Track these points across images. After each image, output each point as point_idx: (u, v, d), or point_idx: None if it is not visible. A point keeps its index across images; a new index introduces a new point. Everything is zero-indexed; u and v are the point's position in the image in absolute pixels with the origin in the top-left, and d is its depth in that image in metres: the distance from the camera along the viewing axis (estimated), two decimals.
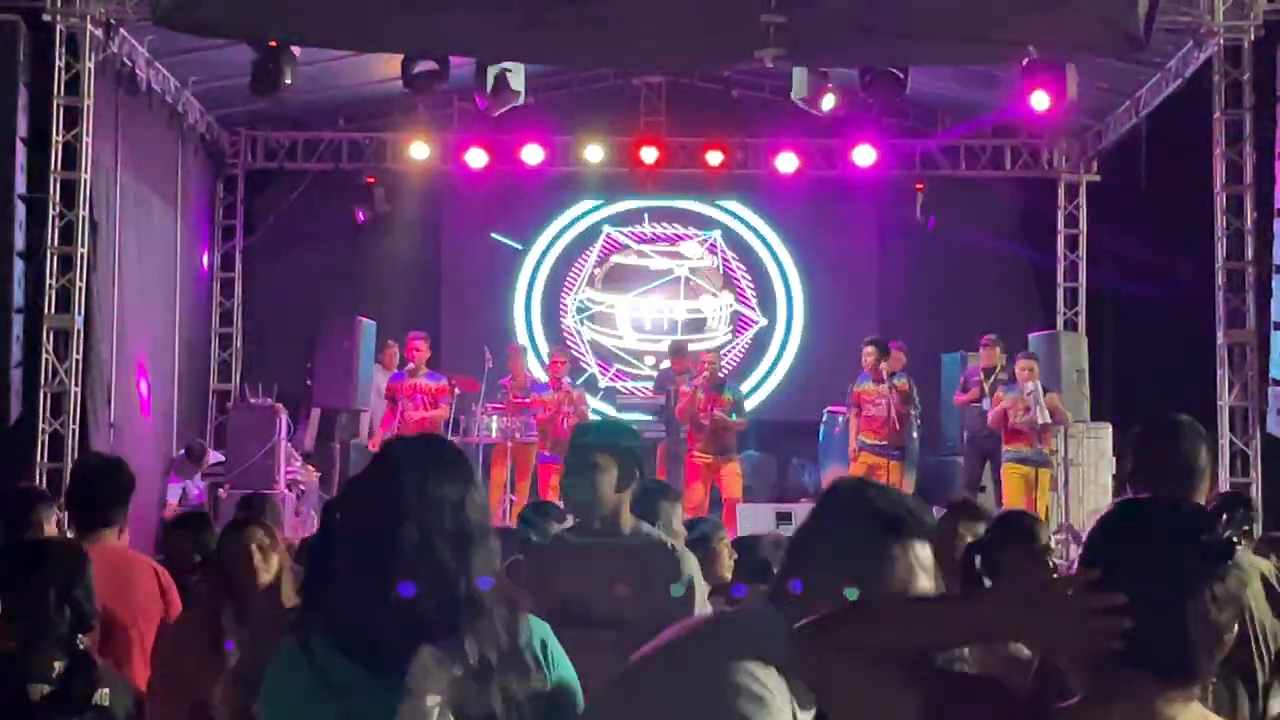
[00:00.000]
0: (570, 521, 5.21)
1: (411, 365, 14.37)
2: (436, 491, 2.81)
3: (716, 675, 2.41)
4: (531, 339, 17.62)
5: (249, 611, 4.73)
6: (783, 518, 13.03)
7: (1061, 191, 17.77)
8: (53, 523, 5.86)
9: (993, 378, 14.19)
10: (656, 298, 18.03)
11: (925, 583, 2.42)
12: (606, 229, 18.13)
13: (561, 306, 17.98)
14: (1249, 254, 13.50)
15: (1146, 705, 2.09)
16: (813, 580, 2.40)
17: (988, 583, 3.27)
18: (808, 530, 2.51)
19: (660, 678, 2.53)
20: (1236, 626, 2.12)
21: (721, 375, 15.00)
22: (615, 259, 18.10)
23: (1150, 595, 2.06)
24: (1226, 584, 2.10)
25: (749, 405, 15.55)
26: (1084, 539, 2.22)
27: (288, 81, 13.21)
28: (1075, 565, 2.23)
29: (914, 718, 2.14)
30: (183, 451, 15.04)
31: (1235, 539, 2.10)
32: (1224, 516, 2.14)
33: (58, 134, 12.77)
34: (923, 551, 2.44)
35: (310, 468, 14.63)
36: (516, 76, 14.12)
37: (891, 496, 2.50)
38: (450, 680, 2.67)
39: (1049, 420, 13.40)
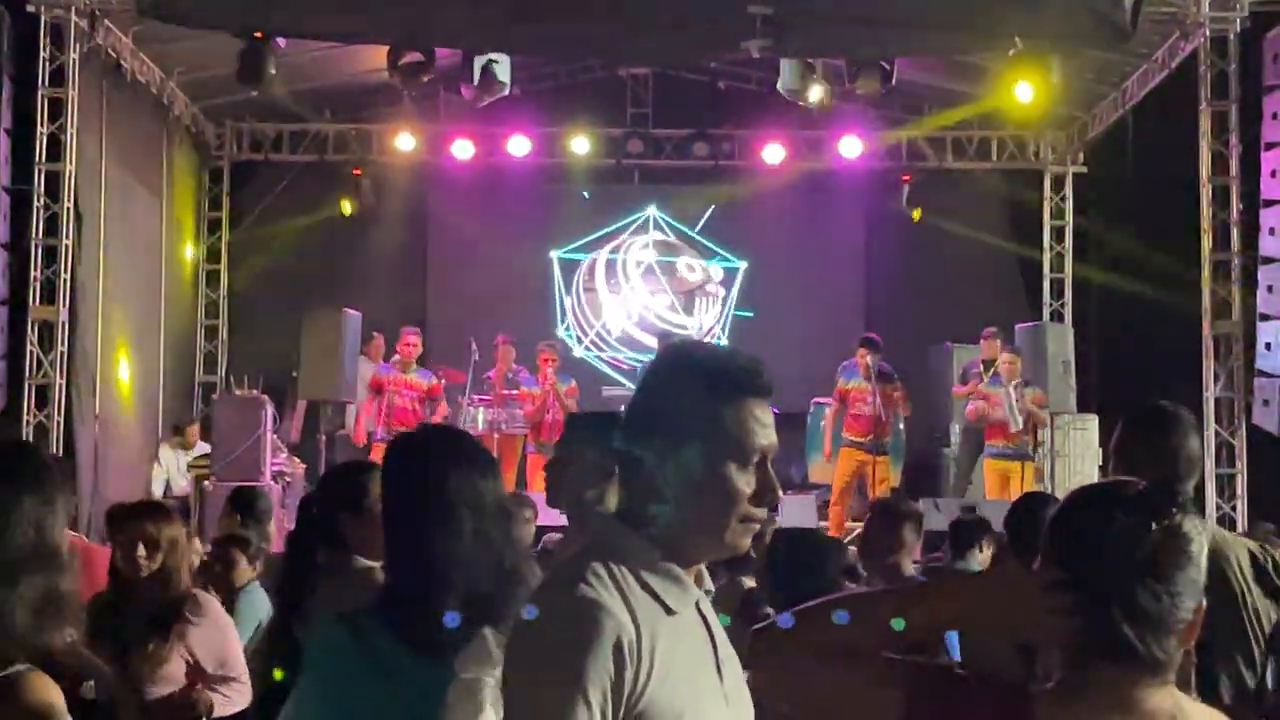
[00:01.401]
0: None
1: (402, 359, 14.35)
2: (478, 477, 3.02)
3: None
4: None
5: (131, 597, 5.11)
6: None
7: (1048, 183, 17.80)
8: None
9: (992, 370, 14.21)
10: (646, 293, 18.04)
11: (766, 439, 2.34)
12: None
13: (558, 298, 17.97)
14: (1235, 245, 13.54)
15: (1118, 692, 2.11)
16: (650, 453, 2.33)
17: None
18: (638, 403, 2.42)
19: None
20: (1196, 610, 2.12)
21: None
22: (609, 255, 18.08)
23: (1104, 588, 2.08)
24: (1184, 571, 2.11)
25: None
26: (1050, 525, 2.22)
27: (272, 73, 13.18)
28: (1041, 549, 2.24)
29: (896, 715, 2.15)
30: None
31: (1181, 521, 2.11)
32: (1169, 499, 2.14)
33: (42, 125, 12.76)
34: (759, 409, 2.35)
35: (296, 460, 14.60)
36: (503, 68, 14.10)
37: (721, 355, 2.41)
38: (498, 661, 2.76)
39: (1020, 427, 13.46)
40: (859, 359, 14.00)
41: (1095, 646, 2.09)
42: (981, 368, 14.43)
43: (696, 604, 2.38)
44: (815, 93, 14.46)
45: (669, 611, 2.31)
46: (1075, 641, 2.10)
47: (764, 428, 2.36)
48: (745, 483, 2.33)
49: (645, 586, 2.30)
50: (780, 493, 2.39)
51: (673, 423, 2.34)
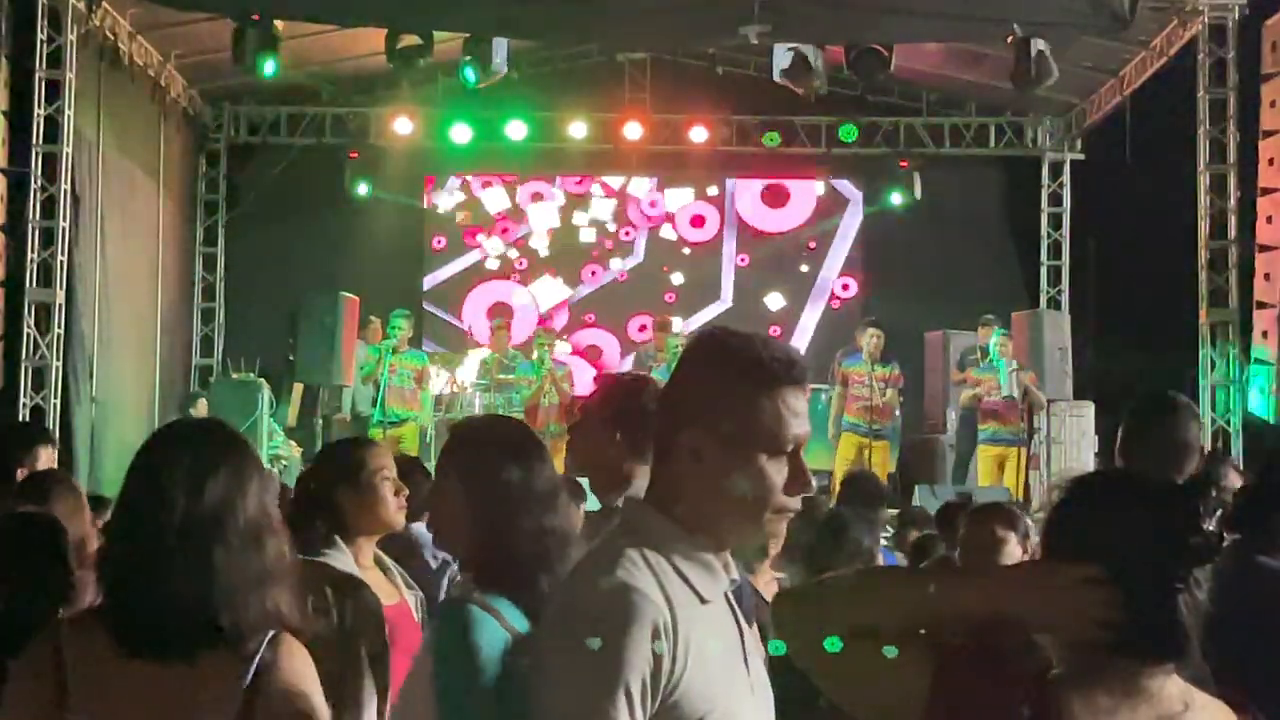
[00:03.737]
0: None
1: (393, 342, 14.39)
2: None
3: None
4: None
5: None
6: None
7: (1045, 170, 17.80)
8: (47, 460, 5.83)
9: (986, 356, 14.23)
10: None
11: (800, 428, 2.33)
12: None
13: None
14: (1232, 233, 13.57)
15: (1131, 681, 2.14)
16: (684, 439, 2.32)
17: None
18: (673, 387, 2.42)
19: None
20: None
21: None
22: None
23: (1139, 585, 2.11)
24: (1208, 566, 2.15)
25: None
26: (1054, 513, 2.23)
27: (270, 56, 13.18)
28: (1043, 536, 2.26)
29: (922, 692, 2.17)
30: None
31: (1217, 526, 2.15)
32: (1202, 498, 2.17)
33: (39, 107, 12.74)
34: (793, 398, 2.34)
35: (293, 443, 14.63)
36: (500, 52, 14.09)
37: (756, 342, 2.38)
38: None
39: (1015, 396, 13.48)
40: (870, 340, 14.07)
41: (1121, 642, 2.12)
42: (980, 354, 14.47)
43: (725, 593, 2.38)
44: (811, 78, 14.44)
45: (702, 600, 2.30)
46: (1101, 634, 2.12)
47: (797, 417, 2.34)
48: (778, 472, 2.32)
49: (679, 573, 2.28)
50: (813, 482, 2.38)
51: (707, 410, 2.33)
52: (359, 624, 3.91)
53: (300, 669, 2.57)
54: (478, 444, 3.14)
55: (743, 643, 2.40)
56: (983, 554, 4.71)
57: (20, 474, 5.36)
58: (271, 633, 2.54)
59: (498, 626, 2.84)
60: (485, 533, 2.99)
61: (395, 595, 4.13)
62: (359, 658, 3.89)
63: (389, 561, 4.24)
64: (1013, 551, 4.72)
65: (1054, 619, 2.16)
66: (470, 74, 13.91)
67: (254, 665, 2.50)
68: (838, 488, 8.65)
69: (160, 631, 2.50)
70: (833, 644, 2.20)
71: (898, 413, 14.73)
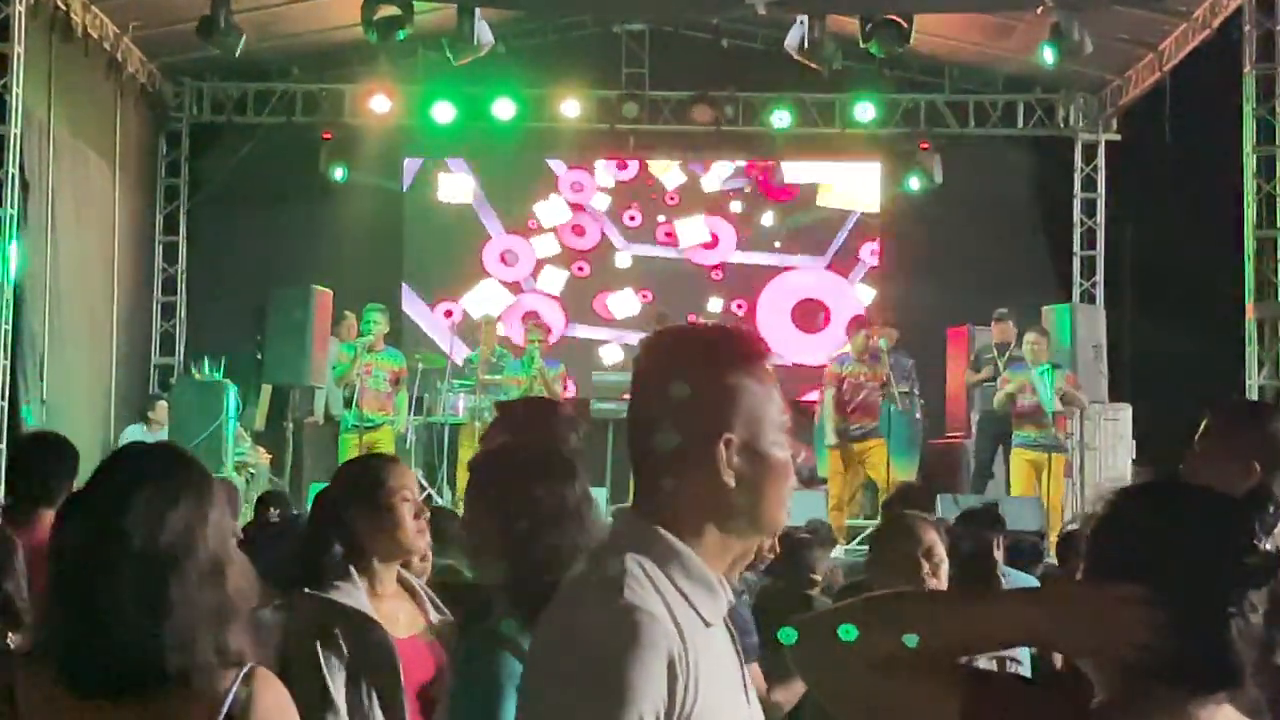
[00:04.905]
0: None
1: (369, 339, 14.35)
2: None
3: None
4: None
5: None
6: None
7: (1078, 152, 17.78)
8: None
9: (1006, 355, 14.20)
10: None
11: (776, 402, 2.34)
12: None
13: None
14: None
15: (1179, 711, 2.10)
16: (674, 444, 2.29)
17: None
18: (646, 394, 2.38)
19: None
20: None
21: None
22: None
23: (1189, 607, 2.07)
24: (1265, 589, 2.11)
25: None
26: (1098, 526, 2.20)
27: (235, 28, 13.16)
28: (1086, 553, 2.22)
29: None
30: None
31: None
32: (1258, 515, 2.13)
33: None
34: (768, 375, 2.35)
35: (261, 449, 14.60)
36: (487, 23, 14.06)
37: (717, 328, 2.43)
38: None
39: (1057, 409, 13.42)
40: (888, 337, 14.09)
41: (1169, 669, 2.08)
42: (995, 352, 14.43)
43: (724, 616, 2.34)
44: (825, 52, 14.42)
45: (706, 623, 2.25)
46: (1147, 660, 2.08)
47: (775, 390, 2.34)
48: (780, 448, 2.31)
49: (682, 593, 2.23)
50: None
51: (696, 407, 2.29)
52: (367, 662, 3.89)
53: (277, 704, 2.59)
54: (504, 468, 3.31)
55: (742, 671, 2.36)
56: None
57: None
58: (248, 667, 2.56)
59: (517, 663, 2.92)
60: (520, 556, 3.14)
61: (416, 624, 4.09)
62: (368, 696, 3.88)
63: (417, 584, 4.19)
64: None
65: (1095, 643, 2.12)
66: (454, 47, 13.91)
67: (227, 704, 2.52)
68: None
69: (109, 673, 2.50)
70: (855, 675, 2.15)
71: (919, 415, 14.70)
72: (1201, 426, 4.19)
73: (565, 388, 14.77)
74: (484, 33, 14.03)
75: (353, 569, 4.02)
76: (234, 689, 2.53)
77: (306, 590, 3.99)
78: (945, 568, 4.81)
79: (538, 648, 2.34)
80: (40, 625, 2.66)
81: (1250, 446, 4.07)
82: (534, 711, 2.25)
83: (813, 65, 14.64)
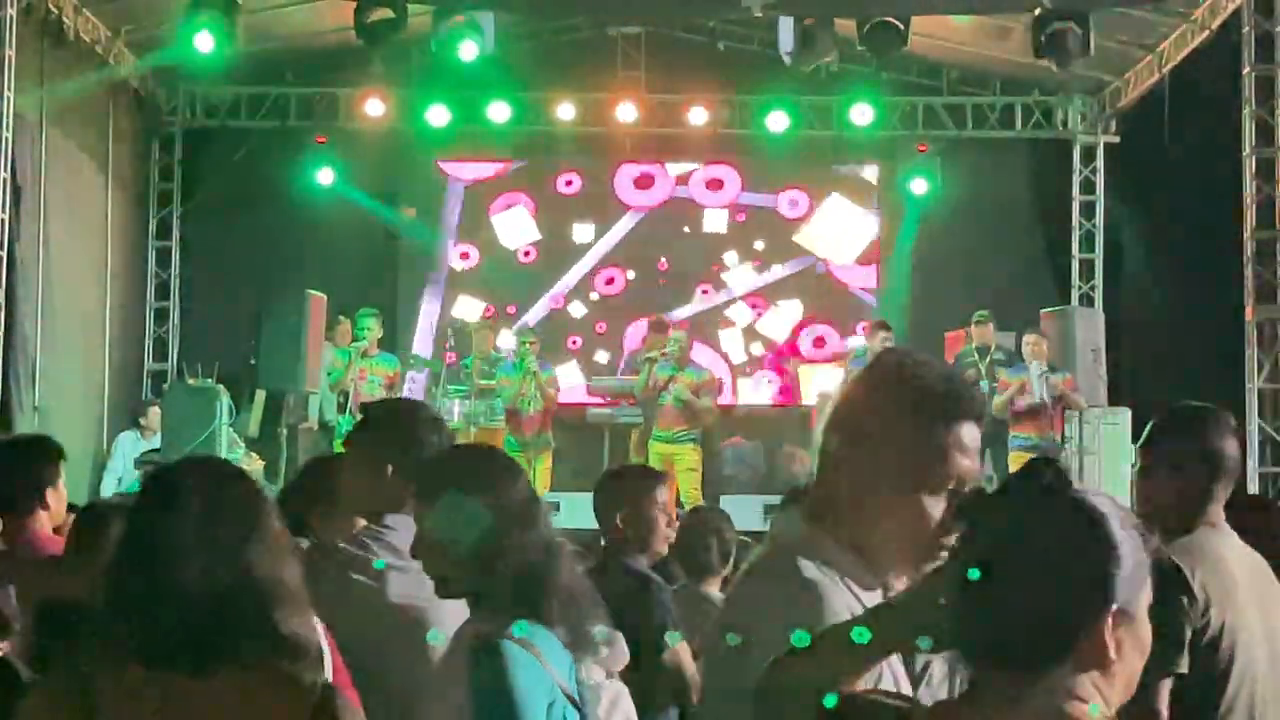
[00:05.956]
0: None
1: (363, 345, 14.34)
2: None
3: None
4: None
5: None
6: (771, 510, 12.99)
7: (1077, 154, 17.78)
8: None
9: (988, 358, 14.22)
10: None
11: (968, 462, 2.44)
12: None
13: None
14: None
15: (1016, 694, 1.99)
16: (850, 460, 2.43)
17: None
18: (847, 406, 2.51)
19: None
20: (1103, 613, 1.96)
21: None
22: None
23: (1007, 583, 1.96)
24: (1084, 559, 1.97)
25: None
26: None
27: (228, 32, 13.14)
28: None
29: None
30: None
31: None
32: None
33: None
34: (967, 434, 2.45)
35: (254, 455, 14.57)
36: (481, 26, 14.04)
37: (936, 372, 2.51)
38: None
39: (1047, 400, 13.44)
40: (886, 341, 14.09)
41: (989, 649, 1.99)
42: (976, 356, 14.40)
43: None
44: (821, 55, 14.39)
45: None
46: (973, 643, 2.01)
47: (966, 453, 2.45)
48: (935, 508, 2.41)
49: (853, 594, 2.38)
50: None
51: (878, 436, 2.42)
52: None
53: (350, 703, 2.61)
54: (444, 478, 3.32)
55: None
56: None
57: (50, 495, 5.10)
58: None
59: (540, 667, 2.95)
60: (483, 559, 3.16)
61: None
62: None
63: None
64: None
65: (932, 628, 2.09)
66: (448, 50, 13.89)
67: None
68: None
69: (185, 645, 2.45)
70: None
71: None
72: (1144, 434, 4.22)
73: (557, 391, 14.74)
74: (480, 35, 14.00)
75: None
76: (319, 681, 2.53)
77: None
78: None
79: (728, 612, 2.54)
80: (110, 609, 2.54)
81: (1187, 457, 4.10)
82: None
83: (808, 68, 14.62)
